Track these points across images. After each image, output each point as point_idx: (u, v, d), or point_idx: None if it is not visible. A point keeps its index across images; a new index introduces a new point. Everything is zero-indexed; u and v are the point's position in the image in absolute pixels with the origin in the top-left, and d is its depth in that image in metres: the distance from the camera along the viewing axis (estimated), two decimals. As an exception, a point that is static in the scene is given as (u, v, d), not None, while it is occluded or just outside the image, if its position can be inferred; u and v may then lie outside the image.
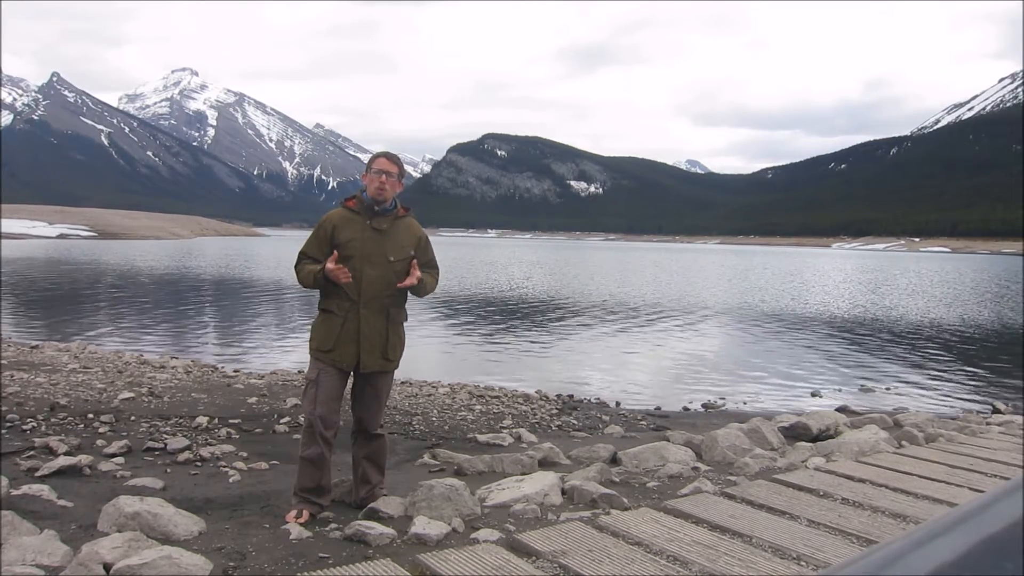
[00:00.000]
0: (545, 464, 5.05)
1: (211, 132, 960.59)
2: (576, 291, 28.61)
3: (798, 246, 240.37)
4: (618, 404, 9.05)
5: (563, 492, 3.94)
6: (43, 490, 3.91)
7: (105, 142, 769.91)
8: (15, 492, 3.83)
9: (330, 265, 3.59)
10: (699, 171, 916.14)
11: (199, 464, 4.98)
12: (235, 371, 9.77)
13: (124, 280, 28.94)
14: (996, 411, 9.03)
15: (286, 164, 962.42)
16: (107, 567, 2.72)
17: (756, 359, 13.40)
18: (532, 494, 3.77)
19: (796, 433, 6.28)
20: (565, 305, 22.82)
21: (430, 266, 3.96)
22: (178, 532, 3.24)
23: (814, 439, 6.04)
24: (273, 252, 59.28)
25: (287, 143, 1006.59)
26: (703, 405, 9.35)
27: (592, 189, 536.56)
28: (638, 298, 26.00)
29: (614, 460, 5.13)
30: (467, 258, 59.74)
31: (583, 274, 42.04)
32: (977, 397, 10.55)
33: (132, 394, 7.04)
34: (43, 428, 5.62)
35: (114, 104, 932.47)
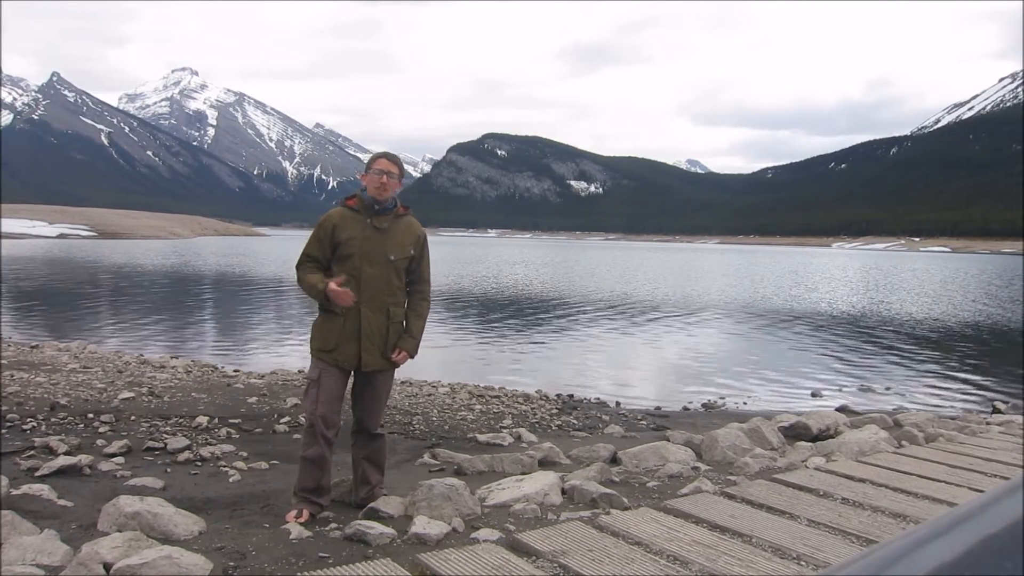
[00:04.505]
0: (545, 464, 5.05)
1: (211, 132, 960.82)
2: (576, 290, 28.61)
3: (798, 246, 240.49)
4: (618, 404, 9.05)
5: (563, 492, 3.94)
6: (43, 490, 3.91)
7: (105, 142, 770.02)
8: (15, 492, 3.83)
9: (333, 286, 3.57)
10: (699, 171, 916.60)
11: (199, 464, 4.98)
12: (235, 371, 9.76)
13: (124, 280, 28.94)
14: (996, 411, 9.03)
15: (286, 164, 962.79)
16: (107, 567, 2.72)
17: (756, 359, 13.40)
18: (532, 494, 3.77)
19: (796, 433, 6.28)
20: (565, 305, 22.82)
21: (422, 281, 3.93)
22: (178, 532, 3.24)
23: (814, 439, 6.04)
24: (273, 251, 59.29)
25: (287, 143, 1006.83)
26: (703, 405, 9.35)
27: (592, 189, 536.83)
28: (638, 297, 26.00)
29: (614, 460, 5.13)
30: (468, 257, 59.75)
31: (583, 273, 42.03)
32: (977, 397, 10.55)
33: (132, 394, 7.04)
34: (43, 428, 5.62)
35: (114, 104, 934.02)
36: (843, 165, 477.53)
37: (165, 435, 5.60)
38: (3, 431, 5.40)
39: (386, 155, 3.84)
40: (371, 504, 3.67)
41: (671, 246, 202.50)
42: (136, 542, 2.88)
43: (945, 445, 5.44)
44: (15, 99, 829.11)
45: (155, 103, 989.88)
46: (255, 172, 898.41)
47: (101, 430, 5.69)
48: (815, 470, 4.38)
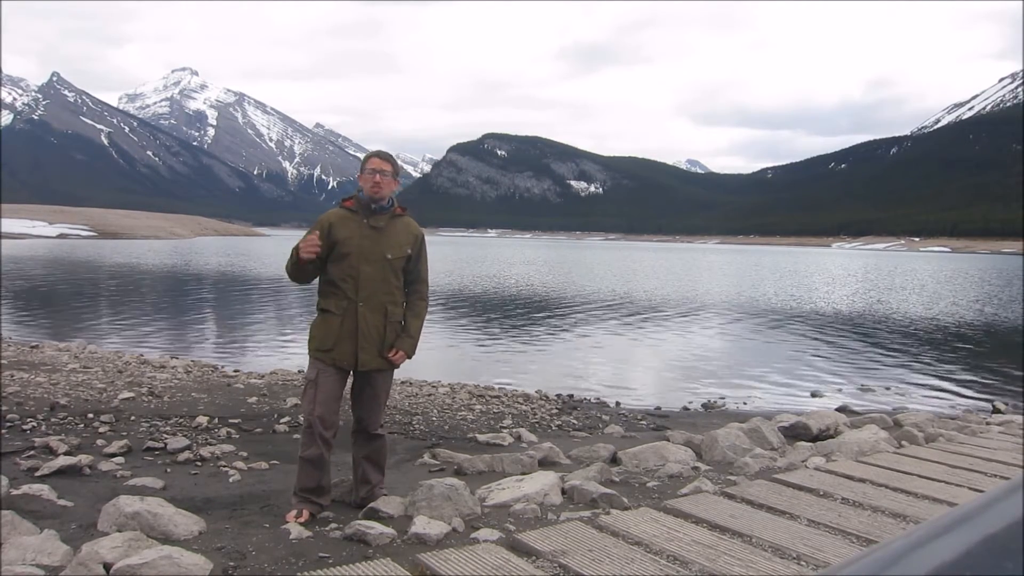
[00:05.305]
0: (545, 464, 5.05)
1: (211, 132, 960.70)
2: (576, 290, 28.60)
3: (798, 246, 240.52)
4: (618, 404, 9.05)
5: (563, 492, 3.94)
6: (43, 490, 3.91)
7: (105, 142, 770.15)
8: (15, 492, 3.83)
9: (308, 238, 3.60)
10: (699, 171, 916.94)
11: (199, 464, 4.98)
12: (235, 371, 9.77)
13: (124, 280, 28.94)
14: (996, 411, 9.03)
15: (286, 164, 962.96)
16: (107, 567, 2.72)
17: (756, 359, 13.40)
18: (532, 494, 3.77)
19: (796, 433, 6.28)
20: (565, 305, 22.82)
21: (419, 281, 3.92)
22: (178, 532, 3.24)
23: (814, 439, 6.05)
24: (273, 252, 59.28)
25: (287, 143, 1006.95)
26: (703, 405, 9.34)
27: (592, 189, 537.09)
28: (638, 297, 25.99)
29: (614, 460, 5.13)
30: (468, 257, 59.76)
31: (583, 273, 42.02)
32: (977, 397, 10.55)
33: (132, 394, 7.04)
34: (43, 428, 5.62)
35: (114, 104, 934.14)
36: (843, 165, 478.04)
37: (165, 435, 5.60)
38: (3, 431, 5.40)
39: (378, 154, 3.84)
40: (371, 504, 3.67)
41: (671, 246, 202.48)
42: (136, 542, 2.88)
43: (945, 445, 5.45)
44: (15, 99, 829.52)
45: (155, 103, 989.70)
46: (255, 172, 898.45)
47: (101, 430, 5.68)
48: (815, 470, 4.38)
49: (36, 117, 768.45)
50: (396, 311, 3.82)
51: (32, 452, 4.89)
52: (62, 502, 3.81)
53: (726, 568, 2.74)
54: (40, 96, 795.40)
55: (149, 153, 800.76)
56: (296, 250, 3.66)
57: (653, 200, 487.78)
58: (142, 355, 10.82)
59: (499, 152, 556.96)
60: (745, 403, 9.59)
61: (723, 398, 9.76)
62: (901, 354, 14.45)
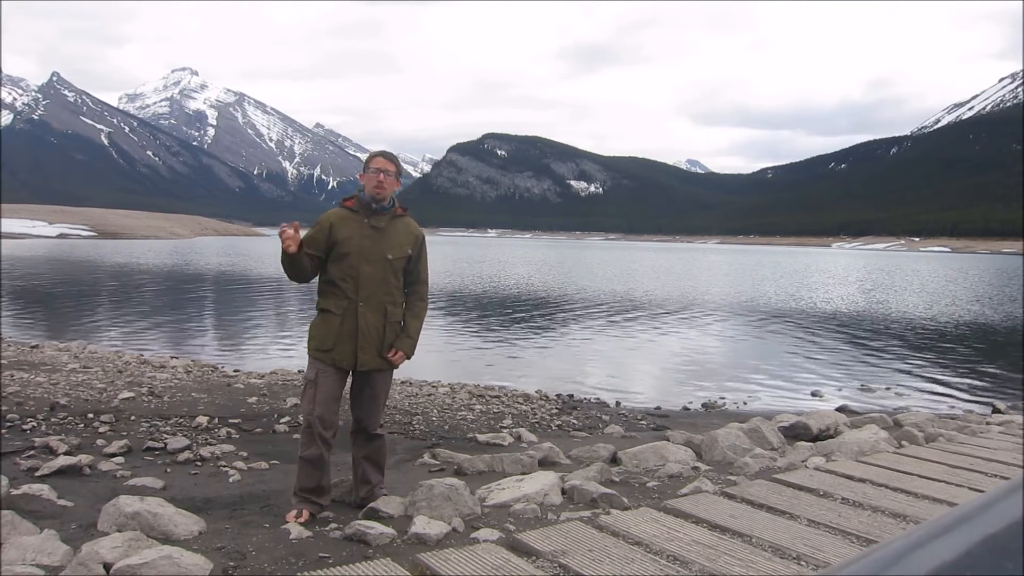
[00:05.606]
0: (545, 464, 5.05)
1: (211, 132, 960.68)
2: (576, 290, 28.60)
3: (798, 246, 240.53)
4: (618, 404, 9.05)
5: (563, 492, 3.94)
6: (43, 490, 3.91)
7: (105, 142, 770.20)
8: (15, 492, 3.83)
9: (288, 229, 3.55)
10: (699, 171, 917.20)
11: (199, 464, 4.98)
12: (235, 371, 9.77)
13: (124, 280, 28.94)
14: (996, 411, 9.03)
15: (286, 164, 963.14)
16: (107, 567, 2.72)
17: (756, 359, 13.40)
18: (532, 494, 3.77)
19: (796, 433, 6.28)
20: (565, 305, 22.82)
21: (419, 281, 3.91)
22: (178, 532, 3.24)
23: (814, 439, 6.04)
24: (273, 252, 59.26)
25: (287, 143, 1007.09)
26: (703, 405, 9.35)
27: (592, 189, 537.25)
28: (638, 297, 25.99)
29: (614, 460, 5.13)
30: (468, 258, 59.75)
31: (583, 273, 42.02)
32: (977, 397, 10.55)
33: (132, 394, 7.04)
34: (43, 428, 5.62)
35: (114, 104, 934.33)
36: (843, 165, 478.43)
37: (165, 435, 5.60)
38: (3, 431, 5.40)
39: (383, 153, 3.84)
40: (371, 504, 3.67)
41: (671, 246, 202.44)
42: (136, 542, 2.88)
43: (945, 445, 5.45)
44: (15, 99, 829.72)
45: (155, 103, 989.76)
46: (255, 172, 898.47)
47: (101, 430, 5.68)
48: (815, 470, 4.38)
49: (36, 117, 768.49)
50: (396, 311, 3.82)
51: (32, 452, 4.89)
52: (62, 502, 3.81)
53: (726, 568, 2.74)
54: (40, 96, 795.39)
55: (149, 153, 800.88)
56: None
57: (653, 200, 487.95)
58: (142, 355, 10.82)
59: (499, 152, 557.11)
60: (745, 403, 9.59)
61: (723, 398, 9.77)
62: (901, 354, 14.45)
